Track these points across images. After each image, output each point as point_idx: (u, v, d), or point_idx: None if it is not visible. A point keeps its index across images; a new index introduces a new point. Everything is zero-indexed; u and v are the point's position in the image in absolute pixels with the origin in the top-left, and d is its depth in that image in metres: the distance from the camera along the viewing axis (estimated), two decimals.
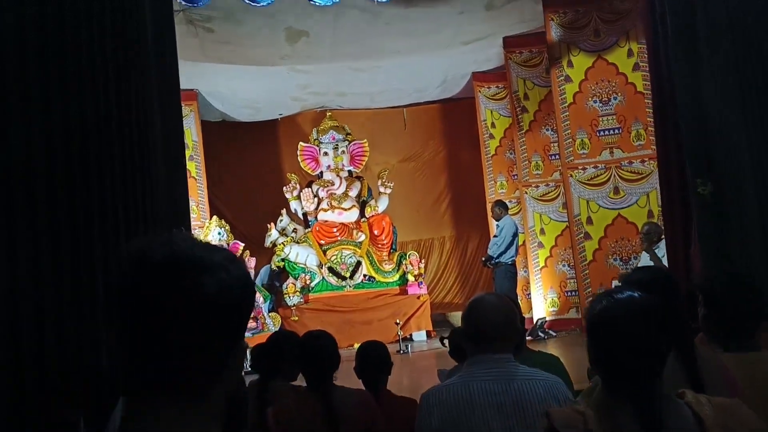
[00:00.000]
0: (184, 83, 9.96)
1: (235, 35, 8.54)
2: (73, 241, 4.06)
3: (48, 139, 4.23)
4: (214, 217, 10.31)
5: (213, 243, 1.07)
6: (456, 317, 10.97)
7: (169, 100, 4.76)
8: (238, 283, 0.99)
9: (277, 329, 10.00)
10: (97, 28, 4.35)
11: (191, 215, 10.54)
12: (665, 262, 7.28)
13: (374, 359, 3.33)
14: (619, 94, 8.44)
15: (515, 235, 9.10)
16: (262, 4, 7.03)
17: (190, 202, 10.55)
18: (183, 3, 6.99)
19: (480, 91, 10.90)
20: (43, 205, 4.22)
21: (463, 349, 2.90)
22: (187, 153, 10.53)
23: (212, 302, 0.95)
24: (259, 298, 10.15)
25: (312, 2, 7.14)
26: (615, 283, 7.95)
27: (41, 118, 4.33)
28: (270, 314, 10.14)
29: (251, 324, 9.82)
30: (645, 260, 7.64)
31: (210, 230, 10.02)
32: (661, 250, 7.46)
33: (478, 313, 2.28)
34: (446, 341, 3.43)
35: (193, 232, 10.12)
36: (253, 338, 9.22)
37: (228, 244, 10.08)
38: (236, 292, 0.98)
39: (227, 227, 10.19)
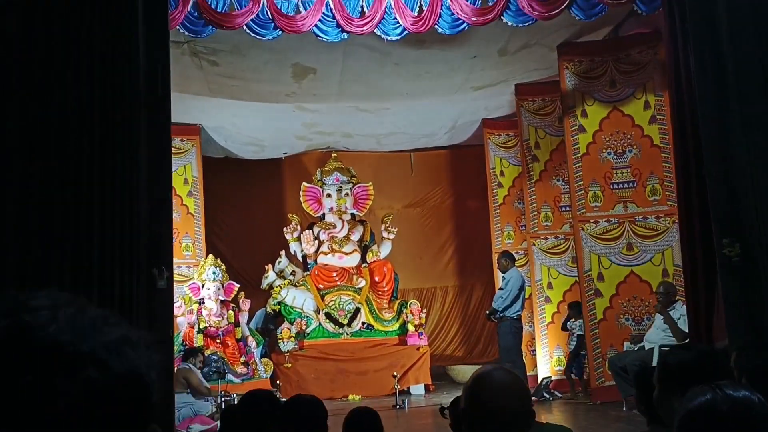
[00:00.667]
0: (188, 117, 9.82)
1: (241, 70, 8.31)
2: (41, 281, 3.74)
3: (23, 171, 3.95)
4: (210, 255, 9.97)
5: (113, 319, 0.70)
6: (456, 372, 10.51)
7: (159, 137, 4.45)
8: (119, 389, 0.62)
9: (268, 376, 9.57)
10: (85, 59, 4.10)
11: (187, 253, 10.24)
12: (681, 325, 6.89)
13: (364, 430, 2.94)
14: (635, 147, 8.12)
15: (522, 288, 8.72)
16: (268, 38, 6.79)
17: (186, 239, 10.29)
18: (187, 34, 6.76)
19: (490, 139, 10.62)
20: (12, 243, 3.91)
21: None
22: (186, 189, 10.31)
23: (66, 422, 0.59)
24: (252, 342, 9.75)
25: (320, 39, 6.90)
26: (627, 345, 7.54)
27: (20, 142, 4.05)
28: (262, 360, 9.71)
29: (242, 370, 9.37)
30: (658, 322, 7.24)
31: (205, 269, 9.68)
32: (677, 312, 7.07)
33: (488, 393, 1.89)
34: (447, 412, 3.04)
35: (178, 270, 9.76)
36: (243, 385, 8.78)
37: (223, 284, 9.73)
38: (115, 403, 0.62)
39: (223, 267, 9.85)
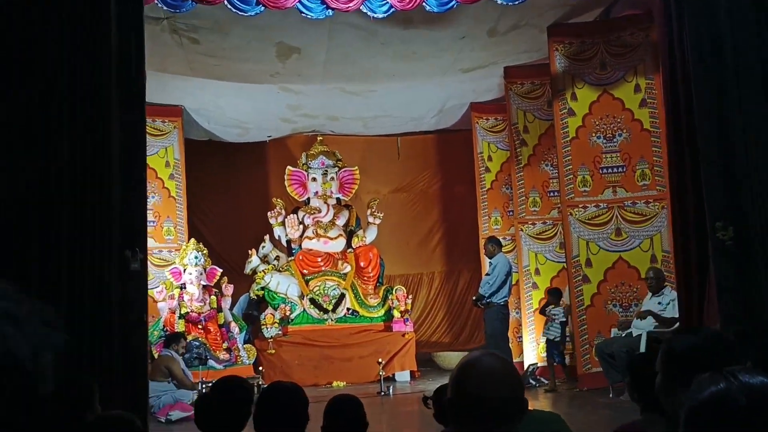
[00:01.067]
0: (169, 98, 9.58)
1: (222, 48, 8.07)
2: (9, 262, 3.56)
3: None
4: (192, 239, 9.77)
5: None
6: (442, 358, 10.39)
7: (132, 117, 4.24)
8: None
9: (251, 362, 9.41)
10: (55, 36, 3.91)
11: (168, 237, 10.03)
12: (670, 311, 6.80)
13: (346, 419, 2.78)
14: (625, 131, 7.99)
15: (509, 274, 8.59)
16: (250, 14, 6.56)
17: (168, 222, 10.07)
18: (166, 9, 6.53)
19: (478, 123, 10.46)
20: None
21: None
22: (168, 171, 10.08)
23: None
24: (234, 328, 9.58)
25: (304, 15, 6.69)
26: (614, 331, 7.44)
27: None
28: (245, 346, 9.54)
29: (224, 356, 9.21)
30: (647, 308, 7.15)
31: (187, 253, 9.49)
32: (666, 297, 6.99)
33: (475, 381, 1.74)
34: (430, 401, 2.90)
35: (159, 255, 9.57)
36: (225, 371, 8.61)
37: (205, 269, 9.54)
38: None
39: (205, 251, 9.66)
